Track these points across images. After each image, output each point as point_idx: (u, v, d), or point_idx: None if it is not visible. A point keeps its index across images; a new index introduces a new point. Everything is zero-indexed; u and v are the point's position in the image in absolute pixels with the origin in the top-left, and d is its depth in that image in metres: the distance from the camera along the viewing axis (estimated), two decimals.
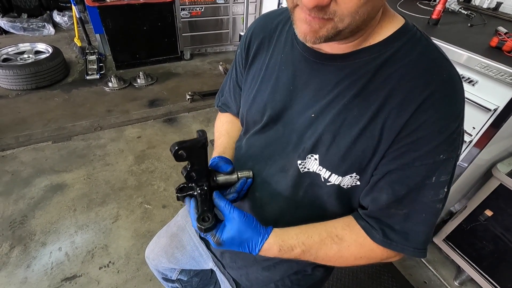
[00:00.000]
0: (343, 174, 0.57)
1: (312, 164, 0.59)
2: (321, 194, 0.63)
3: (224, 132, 0.86)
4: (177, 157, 0.54)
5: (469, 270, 1.58)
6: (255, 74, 0.71)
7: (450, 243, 1.67)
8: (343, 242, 0.58)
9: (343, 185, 0.59)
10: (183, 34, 3.71)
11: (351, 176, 0.57)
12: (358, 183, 0.59)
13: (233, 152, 0.81)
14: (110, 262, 1.67)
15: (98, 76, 3.33)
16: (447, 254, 1.76)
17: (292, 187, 0.64)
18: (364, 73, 0.53)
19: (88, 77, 3.31)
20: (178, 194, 0.63)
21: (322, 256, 0.58)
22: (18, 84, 2.92)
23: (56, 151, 2.36)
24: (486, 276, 1.51)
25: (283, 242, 0.58)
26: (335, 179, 0.58)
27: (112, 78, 3.21)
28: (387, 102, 0.51)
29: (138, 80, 3.32)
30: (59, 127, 2.59)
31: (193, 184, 0.62)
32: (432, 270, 1.78)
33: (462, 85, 0.52)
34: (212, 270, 1.37)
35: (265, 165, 0.68)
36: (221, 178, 0.66)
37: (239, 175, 0.67)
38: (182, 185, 0.64)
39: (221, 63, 3.70)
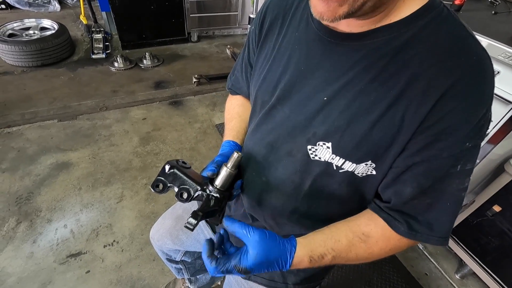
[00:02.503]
0: (358, 161, 0.55)
1: (324, 152, 0.57)
2: (331, 183, 0.61)
3: (235, 114, 0.83)
4: (155, 189, 0.60)
5: (472, 264, 1.58)
6: (268, 52, 0.67)
7: (454, 237, 1.66)
8: (370, 238, 0.57)
9: (358, 173, 0.57)
10: (190, 15, 3.62)
11: (366, 164, 0.55)
12: (374, 172, 0.56)
13: (244, 136, 0.79)
14: (114, 241, 1.69)
15: (104, 56, 3.28)
16: (450, 247, 1.75)
17: (300, 172, 0.62)
18: (383, 55, 0.49)
19: (93, 56, 3.26)
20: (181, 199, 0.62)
21: (353, 258, 0.57)
22: (24, 60, 2.89)
23: (61, 129, 2.35)
24: (489, 271, 1.50)
25: (312, 253, 0.56)
26: (349, 166, 0.56)
27: (118, 58, 3.16)
28: (409, 88, 0.48)
29: (144, 61, 3.27)
30: (64, 105, 2.57)
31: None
32: (434, 262, 1.78)
33: (492, 69, 0.48)
34: None
35: (271, 149, 0.65)
36: (218, 181, 0.63)
37: (228, 166, 0.62)
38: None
39: (228, 46, 3.62)
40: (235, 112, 0.84)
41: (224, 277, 1.54)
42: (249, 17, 2.84)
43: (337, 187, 0.61)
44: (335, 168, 0.58)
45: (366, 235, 0.57)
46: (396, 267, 1.73)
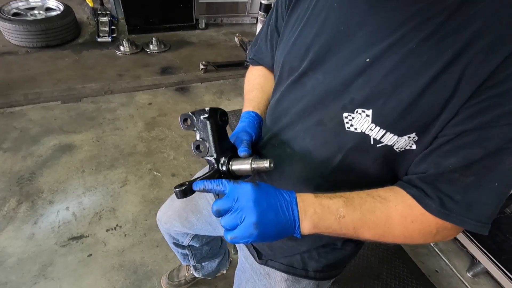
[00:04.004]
0: (400, 133, 0.49)
1: (362, 122, 0.51)
2: (365, 159, 0.55)
3: (256, 85, 0.77)
4: (183, 123, 0.57)
5: (486, 263, 1.52)
6: (300, 15, 0.61)
7: (468, 233, 1.60)
8: (388, 201, 0.50)
9: (396, 148, 0.51)
10: (199, 1, 3.53)
11: (408, 137, 0.49)
12: (414, 146, 0.50)
13: (266, 108, 0.73)
14: (117, 225, 1.64)
15: (109, 39, 3.21)
16: (463, 245, 1.70)
17: (331, 144, 0.56)
18: (441, 10, 0.43)
19: (99, 39, 3.19)
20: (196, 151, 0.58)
21: (369, 217, 0.49)
22: (28, 40, 2.82)
23: (65, 111, 2.30)
24: (504, 269, 1.45)
25: (318, 200, 0.50)
26: (389, 139, 0.50)
27: (124, 42, 3.09)
28: (471, 46, 0.41)
29: (151, 46, 3.20)
30: (68, 87, 2.51)
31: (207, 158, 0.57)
32: (445, 259, 1.73)
33: None
34: (223, 240, 1.34)
35: (298, 119, 0.60)
36: (235, 165, 0.57)
37: (254, 166, 0.55)
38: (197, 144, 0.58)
39: (237, 34, 3.54)
40: (256, 83, 0.78)
41: (230, 265, 1.50)
42: (261, 3, 2.76)
43: (370, 164, 0.55)
44: (372, 142, 0.51)
45: (383, 197, 0.51)
46: (406, 262, 1.68)
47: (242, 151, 0.58)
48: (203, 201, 0.90)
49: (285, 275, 0.70)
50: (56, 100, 2.38)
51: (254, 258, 0.74)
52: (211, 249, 1.22)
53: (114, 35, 3.28)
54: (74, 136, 2.11)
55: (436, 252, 1.76)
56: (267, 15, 2.86)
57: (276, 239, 0.49)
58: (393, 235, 0.50)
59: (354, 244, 0.71)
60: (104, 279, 1.43)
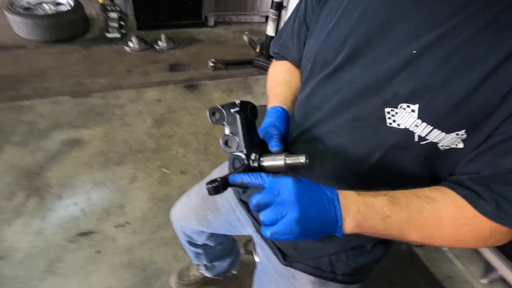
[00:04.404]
0: (448, 130, 0.46)
1: (406, 118, 0.48)
2: (405, 157, 0.52)
3: (281, 80, 0.74)
4: (211, 117, 0.54)
5: (503, 269, 1.48)
6: (334, 6, 0.58)
7: None
8: (436, 202, 0.47)
9: (441, 146, 0.48)
10: None
11: (457, 134, 0.46)
12: (461, 145, 0.47)
13: (293, 104, 0.70)
14: (126, 222, 1.62)
15: (118, 35, 3.19)
16: (478, 250, 1.66)
17: (369, 141, 0.53)
18: None
19: (108, 35, 3.17)
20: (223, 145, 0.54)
21: (416, 217, 0.46)
22: (38, 35, 2.81)
23: (74, 106, 2.28)
24: None
25: (361, 198, 0.47)
26: (435, 136, 0.47)
27: (133, 38, 3.07)
28: None
29: (160, 43, 3.18)
30: (77, 82, 2.50)
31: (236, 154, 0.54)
32: (459, 265, 1.69)
33: None
34: (234, 240, 1.31)
35: (332, 114, 0.57)
36: (267, 161, 0.54)
37: (288, 162, 0.51)
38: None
39: (246, 32, 3.51)
40: (281, 78, 0.75)
41: (240, 265, 1.47)
42: (272, 1, 2.73)
43: (410, 162, 0.52)
44: (416, 139, 0.48)
45: (430, 197, 0.47)
46: (419, 267, 1.64)
47: (274, 145, 0.55)
48: (222, 199, 0.87)
49: (311, 277, 0.67)
50: (65, 94, 2.37)
51: (278, 259, 0.71)
52: (224, 249, 1.19)
53: (123, 31, 3.26)
54: (83, 131, 2.09)
55: (450, 257, 1.72)
56: (278, 13, 2.82)
57: (316, 238, 0.46)
58: (442, 237, 0.47)
59: (384, 247, 0.68)
60: (112, 276, 1.41)
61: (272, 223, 0.44)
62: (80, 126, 2.12)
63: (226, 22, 3.95)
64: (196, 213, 0.90)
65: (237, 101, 0.54)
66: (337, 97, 0.56)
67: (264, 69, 3.03)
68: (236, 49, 3.39)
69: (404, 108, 0.48)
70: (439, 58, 0.45)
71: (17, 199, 1.63)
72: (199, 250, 1.10)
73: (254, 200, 0.44)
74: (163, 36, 3.17)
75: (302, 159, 0.51)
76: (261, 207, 0.44)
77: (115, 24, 3.23)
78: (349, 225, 0.45)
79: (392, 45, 0.49)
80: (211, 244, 1.05)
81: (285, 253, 0.70)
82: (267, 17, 3.80)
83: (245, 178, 0.47)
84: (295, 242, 0.68)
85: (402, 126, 0.49)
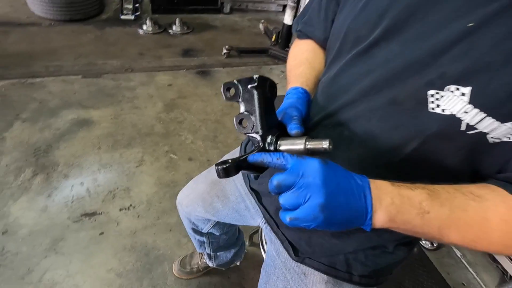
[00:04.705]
0: (504, 119, 0.39)
1: (454, 102, 0.41)
2: (446, 148, 0.45)
3: (304, 60, 0.67)
4: (225, 92, 0.49)
5: None
6: None
7: None
8: (484, 200, 0.40)
9: (491, 137, 0.41)
10: None
11: None
12: None
13: (315, 87, 0.64)
14: (131, 205, 1.59)
15: (133, 17, 3.15)
16: (494, 258, 1.57)
17: (406, 128, 0.46)
18: None
19: (122, 17, 3.14)
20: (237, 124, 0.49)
21: (459, 216, 0.40)
22: (52, 13, 2.79)
23: (85, 86, 2.26)
24: None
25: (395, 189, 0.41)
26: (487, 125, 0.40)
27: (147, 21, 3.02)
28: None
29: (174, 27, 3.12)
30: (89, 62, 2.47)
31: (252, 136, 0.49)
32: (473, 272, 1.61)
33: None
34: (240, 231, 1.26)
35: (363, 96, 0.50)
36: (284, 145, 0.48)
37: (309, 146, 0.46)
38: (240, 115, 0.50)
39: (262, 21, 3.42)
40: (304, 58, 0.68)
41: (244, 257, 1.43)
42: None
43: (450, 154, 0.46)
44: (463, 127, 0.41)
45: (477, 195, 0.41)
46: (431, 272, 1.57)
47: (293, 128, 0.49)
48: (231, 186, 0.82)
49: (325, 276, 0.61)
50: (76, 74, 2.34)
51: (289, 254, 0.65)
52: (229, 239, 1.15)
53: (137, 13, 3.22)
54: (93, 111, 2.07)
55: (464, 264, 1.64)
56: (297, 1, 2.72)
57: (340, 229, 0.41)
58: (488, 241, 0.40)
59: (407, 249, 0.61)
60: (114, 259, 1.38)
61: (293, 208, 0.39)
62: (89, 107, 2.10)
63: (242, 9, 3.86)
64: (203, 199, 0.86)
65: (255, 76, 0.48)
66: (369, 78, 0.50)
67: (278, 59, 2.95)
68: (250, 38, 3.31)
69: (452, 91, 0.41)
70: (501, 32, 0.38)
71: (24, 176, 1.62)
72: (203, 239, 1.06)
73: (275, 181, 0.40)
74: (178, 20, 3.11)
75: (325, 144, 0.45)
76: (282, 189, 0.40)
77: (130, 6, 3.19)
78: (380, 218, 0.40)
79: (442, 17, 0.42)
80: (216, 233, 1.00)
81: (297, 248, 0.65)
82: (284, 6, 3.69)
83: (266, 157, 0.42)
84: (308, 237, 0.63)
85: (447, 112, 0.42)
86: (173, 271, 1.37)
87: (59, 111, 2.02)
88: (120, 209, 1.57)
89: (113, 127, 1.99)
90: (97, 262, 1.36)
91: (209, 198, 0.84)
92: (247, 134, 0.51)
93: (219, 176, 0.44)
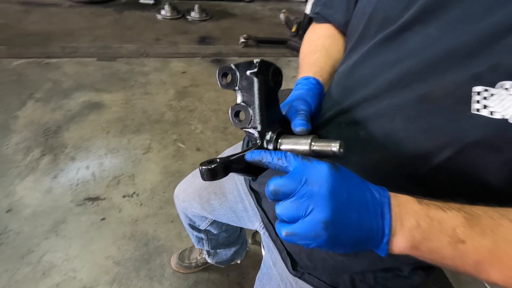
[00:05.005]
0: None
1: (508, 103, 0.31)
2: (490, 160, 0.36)
3: (320, 47, 0.58)
4: (221, 79, 0.41)
5: None
6: None
7: None
8: None
9: None
10: None
11: None
12: None
13: (330, 78, 0.55)
14: (134, 193, 1.56)
15: (152, 2, 3.11)
16: None
17: (439, 131, 0.37)
18: None
19: (141, 1, 3.11)
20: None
21: (506, 249, 0.30)
22: None
23: (99, 69, 2.24)
24: None
25: (423, 207, 0.33)
26: None
27: (165, 6, 2.97)
28: None
29: (192, 13, 3.06)
30: (105, 45, 2.45)
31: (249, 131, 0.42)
32: None
33: None
34: (241, 228, 1.20)
35: (388, 91, 0.41)
36: (286, 144, 0.41)
37: (315, 148, 0.38)
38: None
39: (283, 10, 3.29)
40: (320, 44, 0.59)
41: (246, 255, 1.37)
42: None
43: (494, 169, 0.36)
44: None
45: None
46: None
47: (298, 124, 0.41)
48: (230, 183, 0.75)
49: None
50: (91, 56, 2.33)
51: (287, 266, 0.58)
52: (229, 236, 1.09)
53: None
54: (104, 95, 2.05)
55: (483, 284, 1.51)
56: None
57: (348, 251, 0.33)
58: None
59: (425, 274, 0.52)
60: (114, 247, 1.36)
61: (291, 221, 0.32)
62: (102, 90, 2.08)
63: None
64: (200, 195, 0.79)
65: (256, 60, 0.40)
66: (397, 68, 0.40)
67: (298, 51, 2.82)
68: (270, 27, 3.20)
69: (507, 88, 0.31)
70: None
71: (32, 155, 1.62)
72: (201, 235, 1.00)
73: (272, 185, 0.33)
74: (197, 6, 3.05)
75: (334, 146, 0.37)
76: (279, 196, 0.33)
77: None
78: (400, 243, 0.31)
79: None
80: (214, 231, 0.94)
81: (296, 261, 0.57)
82: None
83: (266, 156, 0.36)
84: (311, 250, 0.55)
85: (497, 116, 0.32)
86: (171, 263, 1.33)
87: (72, 93, 2.01)
88: (123, 196, 1.54)
89: (123, 112, 1.96)
90: (96, 248, 1.34)
91: (206, 195, 0.78)
92: (244, 129, 0.43)
93: (203, 178, 0.37)
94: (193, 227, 0.95)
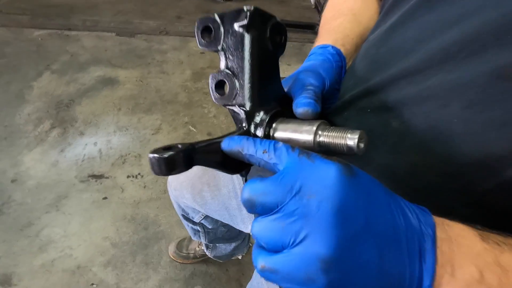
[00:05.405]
0: None
1: None
2: None
3: (346, 10, 0.45)
4: (201, 34, 0.31)
5: None
6: None
7: None
8: None
9: None
10: None
11: None
12: None
13: (356, 50, 0.41)
14: (139, 174, 1.50)
15: None
16: None
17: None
18: None
19: None
20: None
21: None
22: None
23: (117, 44, 2.18)
24: None
25: (497, 264, 0.20)
26: None
27: None
28: None
29: None
30: (126, 20, 2.39)
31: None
32: None
33: None
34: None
35: (439, 63, 0.28)
36: (281, 131, 0.29)
37: (322, 138, 0.26)
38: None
39: None
40: (346, 8, 0.46)
41: (248, 251, 1.27)
42: None
43: None
44: None
45: None
46: None
47: (302, 103, 0.29)
48: (226, 175, 0.63)
49: None
50: (111, 31, 2.28)
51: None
52: (229, 231, 0.99)
53: None
54: (120, 71, 1.99)
55: None
56: None
57: None
58: None
59: None
60: (113, 227, 1.31)
61: (273, 249, 0.21)
62: (118, 66, 2.02)
63: None
64: (192, 185, 0.69)
65: (247, 7, 0.28)
66: (458, 29, 0.27)
67: None
68: (298, 11, 2.99)
69: None
70: None
71: (42, 127, 1.60)
72: (197, 228, 0.91)
73: (246, 191, 0.22)
74: None
75: (351, 138, 0.24)
76: (256, 209, 0.22)
77: None
78: None
79: None
80: (209, 226, 0.85)
81: None
82: None
83: (247, 146, 0.25)
84: None
85: None
86: (169, 252, 1.26)
87: (88, 67, 1.97)
88: (128, 176, 1.48)
89: (136, 90, 1.90)
90: (95, 227, 1.30)
91: (199, 185, 0.67)
92: (228, 107, 0.32)
93: (153, 170, 0.26)
94: (187, 218, 0.86)
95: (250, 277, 1.26)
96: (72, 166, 1.48)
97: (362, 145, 0.23)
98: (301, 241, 0.19)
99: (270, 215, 0.21)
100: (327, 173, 0.20)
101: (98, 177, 1.46)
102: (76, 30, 2.21)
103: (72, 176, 1.44)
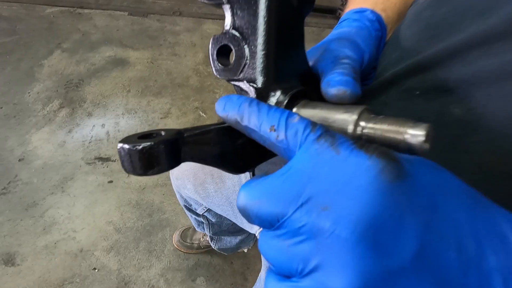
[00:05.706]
0: None
1: None
2: None
3: None
4: None
5: None
6: None
7: None
8: None
9: None
10: None
11: None
12: None
13: (400, 19, 0.32)
14: None
15: None
16: None
17: None
18: None
19: None
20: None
21: None
22: None
23: (129, 24, 2.12)
24: None
25: None
26: None
27: None
28: None
29: None
30: (139, 0, 2.31)
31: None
32: None
33: None
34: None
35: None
36: (305, 113, 0.21)
37: (366, 129, 0.17)
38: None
39: None
40: None
41: (254, 244, 1.22)
42: None
43: None
44: None
45: None
46: None
47: (336, 82, 0.21)
48: None
49: None
50: (124, 10, 2.21)
51: None
52: (234, 224, 0.92)
53: None
54: (131, 52, 1.93)
55: None
56: None
57: None
58: None
59: None
60: (117, 212, 1.28)
61: (281, 272, 0.15)
62: (129, 46, 1.96)
63: None
64: (195, 175, 0.62)
65: None
66: None
67: None
68: None
69: None
70: None
71: (51, 106, 1.57)
72: (201, 219, 0.85)
73: (241, 196, 0.16)
74: None
75: (415, 136, 0.16)
76: (252, 221, 0.16)
77: None
78: None
79: None
80: (212, 219, 0.78)
81: None
82: None
83: (248, 115, 0.18)
84: None
85: None
86: (173, 240, 1.22)
87: (99, 46, 1.92)
88: None
89: (147, 72, 1.84)
90: (99, 211, 1.27)
91: (202, 175, 0.61)
92: (232, 83, 0.24)
93: (124, 168, 0.18)
94: (190, 209, 0.80)
95: (255, 271, 1.21)
96: (79, 148, 1.45)
97: (428, 144, 0.15)
98: (310, 272, 0.13)
99: (272, 230, 0.15)
100: (356, 173, 0.13)
101: (104, 159, 1.42)
102: (88, 8, 2.15)
103: (79, 158, 1.41)
